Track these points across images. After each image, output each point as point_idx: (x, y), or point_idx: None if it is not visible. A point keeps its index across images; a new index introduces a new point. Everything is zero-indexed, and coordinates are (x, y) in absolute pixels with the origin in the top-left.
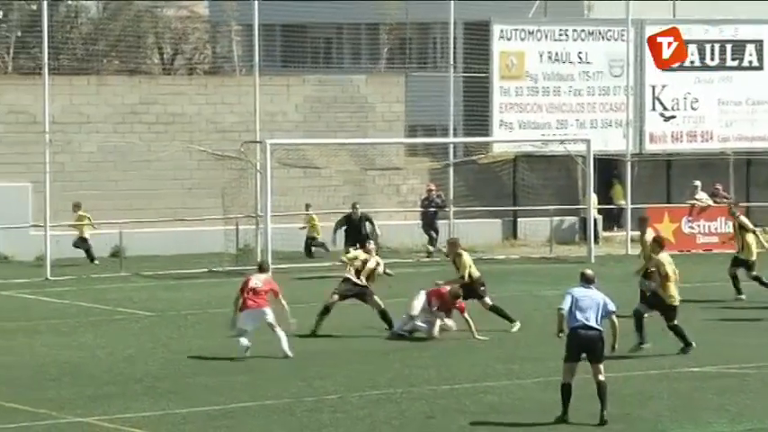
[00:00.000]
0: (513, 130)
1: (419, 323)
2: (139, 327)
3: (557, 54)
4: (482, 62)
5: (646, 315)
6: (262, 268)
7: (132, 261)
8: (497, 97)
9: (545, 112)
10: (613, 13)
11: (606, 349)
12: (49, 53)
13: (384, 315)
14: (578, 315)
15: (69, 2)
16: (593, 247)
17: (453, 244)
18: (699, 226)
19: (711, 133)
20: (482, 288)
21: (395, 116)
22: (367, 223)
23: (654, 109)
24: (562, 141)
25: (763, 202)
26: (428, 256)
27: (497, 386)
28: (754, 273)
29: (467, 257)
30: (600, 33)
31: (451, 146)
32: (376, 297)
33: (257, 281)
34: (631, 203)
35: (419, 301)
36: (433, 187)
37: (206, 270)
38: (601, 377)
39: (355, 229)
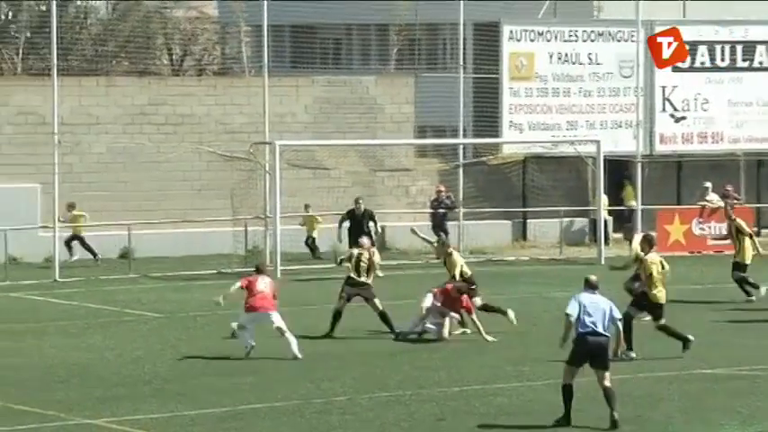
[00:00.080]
0: (523, 131)
1: (428, 325)
2: (148, 328)
3: (566, 55)
4: (492, 63)
5: (638, 318)
6: (262, 270)
7: (141, 262)
8: (507, 98)
9: (555, 113)
10: (623, 14)
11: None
12: (58, 54)
13: (384, 317)
14: (587, 321)
15: (78, 2)
16: (604, 249)
17: (443, 244)
18: (709, 227)
19: (722, 134)
20: (473, 287)
21: (404, 117)
22: (370, 222)
23: (664, 110)
24: (572, 142)
25: None
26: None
27: (507, 388)
28: (742, 275)
29: (457, 257)
30: (610, 34)
31: (461, 147)
32: (376, 300)
33: (264, 285)
34: (642, 205)
35: (427, 302)
36: (442, 188)
37: (215, 271)
38: (606, 383)
39: (358, 225)
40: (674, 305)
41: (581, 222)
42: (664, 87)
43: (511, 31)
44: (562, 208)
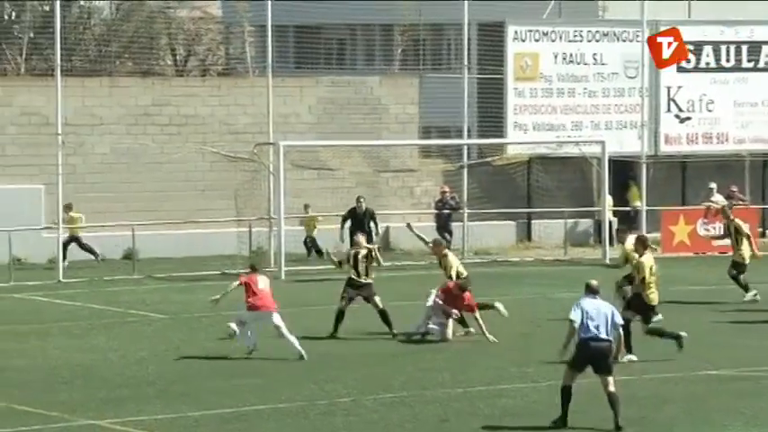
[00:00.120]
0: (528, 131)
1: (431, 326)
2: (152, 329)
3: (571, 55)
4: (496, 63)
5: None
6: (258, 269)
7: (145, 263)
8: (512, 99)
9: (560, 114)
10: (628, 14)
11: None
12: (61, 54)
13: (384, 315)
14: (590, 326)
15: (82, 3)
16: (608, 250)
17: (438, 244)
18: (714, 228)
19: (727, 135)
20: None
21: (408, 118)
22: (371, 223)
23: (669, 110)
24: (577, 143)
25: None
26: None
27: (512, 389)
28: (735, 273)
29: (452, 257)
30: (615, 34)
31: (465, 148)
32: (377, 297)
33: (264, 283)
34: (646, 205)
35: (430, 301)
36: (446, 189)
37: (219, 272)
38: (611, 388)
39: (359, 224)
40: (679, 306)
41: (586, 223)
42: (669, 88)
43: (515, 32)
44: (567, 209)
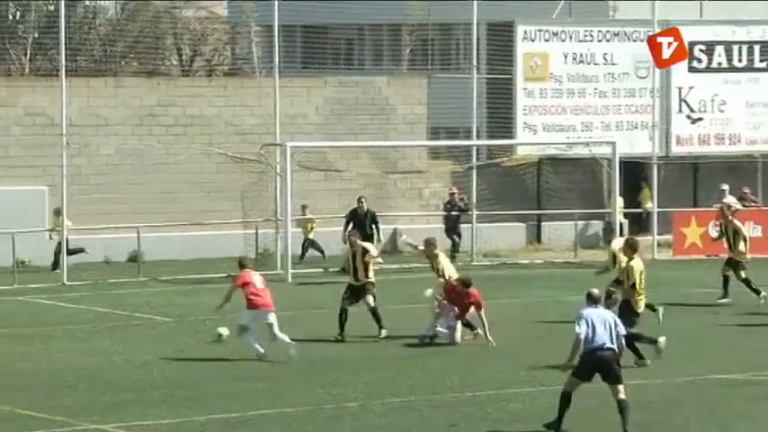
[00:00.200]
0: (537, 132)
1: (440, 329)
2: (157, 332)
3: (581, 55)
4: (506, 63)
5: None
6: (247, 265)
7: (150, 265)
8: (521, 99)
9: (570, 114)
10: (639, 14)
11: None
12: (66, 54)
13: (374, 312)
14: (595, 336)
15: (87, 2)
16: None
17: (430, 244)
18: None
19: (739, 136)
20: None
21: (417, 118)
22: (373, 225)
23: (680, 111)
24: (587, 144)
25: None
26: (451, 261)
27: (521, 393)
28: (727, 274)
29: (443, 257)
30: (625, 34)
31: (474, 148)
32: (369, 296)
33: (260, 281)
34: (658, 207)
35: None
36: (455, 191)
37: (225, 275)
38: (621, 395)
39: (360, 225)
40: (689, 308)
41: (596, 225)
42: (680, 88)
43: (525, 31)
44: (577, 211)
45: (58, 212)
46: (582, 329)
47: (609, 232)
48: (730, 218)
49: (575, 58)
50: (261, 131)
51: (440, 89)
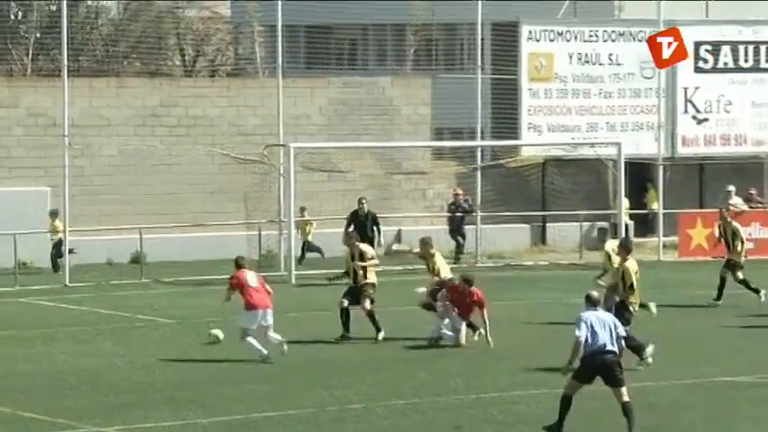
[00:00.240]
0: (542, 133)
1: (445, 331)
2: (159, 334)
3: (587, 55)
4: (510, 64)
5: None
6: (243, 264)
7: (152, 267)
8: (526, 99)
9: (575, 115)
10: (644, 14)
11: None
12: (68, 55)
13: (371, 316)
14: (595, 339)
15: (89, 2)
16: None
17: (426, 243)
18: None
19: (745, 136)
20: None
21: (421, 119)
22: (374, 227)
23: (686, 111)
24: (592, 145)
25: None
26: (455, 263)
27: (526, 396)
28: (724, 276)
29: (439, 257)
30: (631, 34)
31: (479, 149)
32: (367, 299)
33: (254, 279)
34: (664, 208)
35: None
36: (459, 192)
37: (228, 276)
38: (625, 398)
39: (361, 226)
40: (694, 310)
41: (601, 226)
42: (686, 89)
43: (530, 32)
44: (582, 212)
45: (52, 214)
46: (582, 332)
47: (603, 233)
48: (729, 219)
49: (580, 59)
50: (264, 132)
51: (444, 89)
